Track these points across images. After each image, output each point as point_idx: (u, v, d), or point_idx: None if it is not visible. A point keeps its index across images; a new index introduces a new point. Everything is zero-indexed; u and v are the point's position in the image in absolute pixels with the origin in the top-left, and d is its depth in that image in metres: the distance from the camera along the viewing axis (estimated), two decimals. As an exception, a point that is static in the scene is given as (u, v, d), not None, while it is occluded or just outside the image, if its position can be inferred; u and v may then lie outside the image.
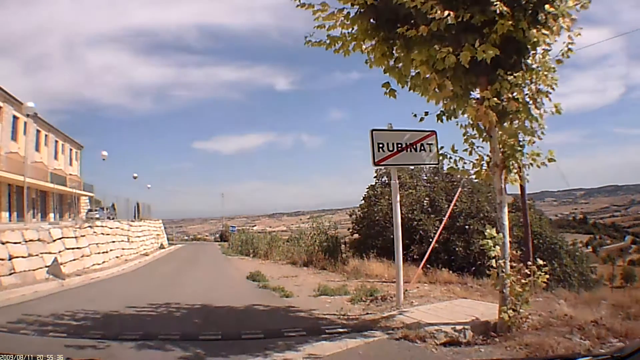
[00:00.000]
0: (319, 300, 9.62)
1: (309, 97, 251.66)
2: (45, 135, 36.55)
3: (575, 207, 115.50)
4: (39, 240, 14.14)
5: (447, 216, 10.51)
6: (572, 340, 5.14)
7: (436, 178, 20.35)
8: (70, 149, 44.18)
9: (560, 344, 4.96)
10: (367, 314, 7.64)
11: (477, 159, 6.46)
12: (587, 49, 6.00)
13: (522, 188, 9.66)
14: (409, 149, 7.82)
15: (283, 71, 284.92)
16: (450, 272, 13.33)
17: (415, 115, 6.66)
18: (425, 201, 19.01)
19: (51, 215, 34.25)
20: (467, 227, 17.62)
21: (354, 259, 17.26)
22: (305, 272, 16.76)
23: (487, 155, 6.32)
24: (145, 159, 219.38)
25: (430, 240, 17.08)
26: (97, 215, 28.33)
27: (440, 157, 6.92)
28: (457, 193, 12.17)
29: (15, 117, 29.55)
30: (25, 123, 28.27)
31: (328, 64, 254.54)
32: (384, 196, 19.44)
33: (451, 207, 10.92)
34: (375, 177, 21.12)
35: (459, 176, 19.53)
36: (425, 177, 20.73)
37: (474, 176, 6.62)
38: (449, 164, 6.64)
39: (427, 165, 20.10)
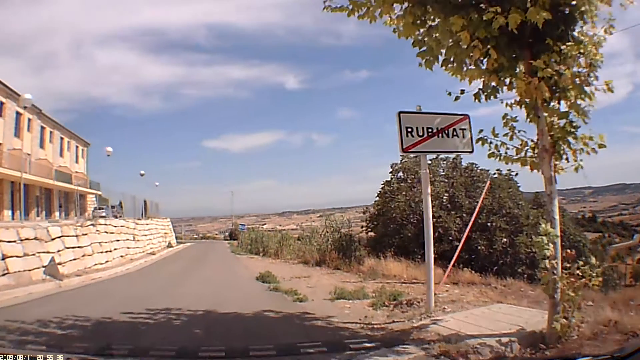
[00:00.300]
0: (336, 305, 8.81)
1: (319, 95, 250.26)
2: (50, 132, 36.06)
3: (584, 205, 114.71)
4: (35, 239, 13.40)
5: (475, 215, 9.56)
6: (635, 350, 4.32)
7: (454, 173, 19.49)
8: (77, 146, 43.76)
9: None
10: (394, 322, 6.79)
11: (520, 144, 5.68)
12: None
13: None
14: (440, 134, 6.98)
15: (292, 70, 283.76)
16: (472, 271, 13.00)
17: (449, 94, 5.93)
18: (444, 197, 18.16)
19: (56, 213, 33.70)
20: (489, 224, 16.80)
21: (369, 258, 16.65)
22: (318, 272, 16.21)
23: (532, 140, 5.56)
24: (154, 157, 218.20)
25: (450, 238, 16.37)
26: (104, 214, 27.65)
27: (480, 142, 5.98)
28: (485, 188, 11.23)
29: (18, 114, 29.01)
30: (29, 119, 27.68)
31: (337, 63, 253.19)
32: (400, 192, 18.68)
33: (480, 203, 9.92)
34: (390, 172, 20.40)
35: (478, 170, 18.94)
36: (443, 172, 19.85)
37: (518, 163, 5.79)
38: (489, 150, 5.82)
39: (445, 160, 19.46)
